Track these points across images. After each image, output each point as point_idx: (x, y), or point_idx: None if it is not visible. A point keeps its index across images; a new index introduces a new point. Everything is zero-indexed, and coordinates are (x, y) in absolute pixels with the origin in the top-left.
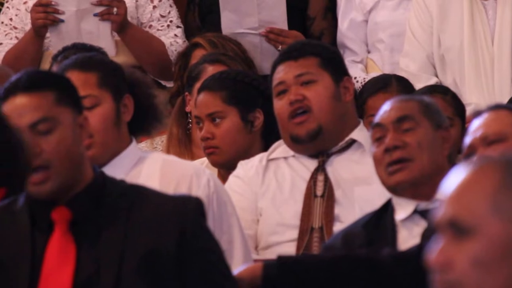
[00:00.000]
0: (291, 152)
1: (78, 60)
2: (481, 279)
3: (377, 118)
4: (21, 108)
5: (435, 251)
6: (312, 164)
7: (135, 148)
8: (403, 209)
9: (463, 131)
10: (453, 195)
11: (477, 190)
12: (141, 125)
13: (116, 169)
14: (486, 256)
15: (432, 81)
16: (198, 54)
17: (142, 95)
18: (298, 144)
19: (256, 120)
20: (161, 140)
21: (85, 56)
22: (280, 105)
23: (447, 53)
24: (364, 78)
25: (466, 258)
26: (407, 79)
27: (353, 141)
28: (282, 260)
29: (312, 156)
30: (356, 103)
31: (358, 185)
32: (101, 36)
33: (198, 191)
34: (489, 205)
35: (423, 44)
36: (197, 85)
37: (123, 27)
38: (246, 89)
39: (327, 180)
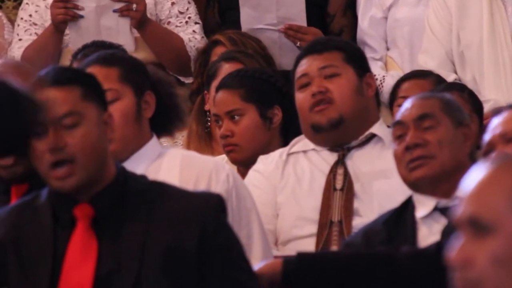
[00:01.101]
0: (311, 146)
1: (100, 56)
2: (501, 277)
3: (398, 116)
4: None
5: (455, 249)
6: (332, 157)
7: (155, 144)
8: (423, 206)
9: (481, 128)
10: (473, 193)
11: (497, 188)
12: (163, 124)
13: (136, 165)
14: (505, 254)
15: (451, 77)
16: (218, 52)
17: (165, 94)
18: (319, 133)
19: (275, 116)
20: (181, 135)
21: (107, 52)
22: (302, 97)
23: (466, 50)
24: (384, 76)
25: (485, 256)
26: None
27: (373, 136)
28: (302, 256)
29: (332, 149)
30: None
31: (377, 179)
32: (120, 32)
33: (217, 186)
34: (508, 203)
35: (442, 41)
36: (214, 83)
37: (142, 23)
38: (264, 86)
39: (346, 173)
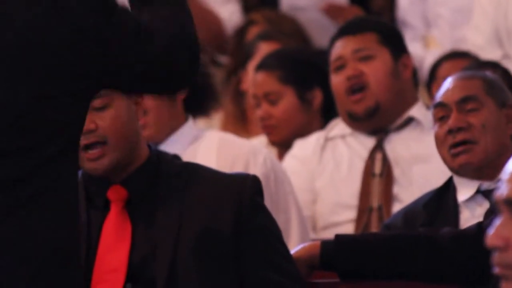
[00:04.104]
0: (349, 130)
1: None
2: None
3: (439, 97)
4: None
5: (492, 230)
6: (370, 142)
7: (191, 126)
8: (465, 189)
9: None
10: None
11: None
12: (198, 105)
13: (172, 147)
14: None
15: (498, 53)
16: (254, 31)
17: (199, 75)
18: (356, 121)
19: (314, 98)
20: (217, 119)
21: None
22: (337, 81)
23: None
24: (423, 57)
25: None
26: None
27: (411, 119)
28: (340, 238)
29: (370, 133)
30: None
31: (417, 163)
32: None
33: (255, 170)
34: None
35: (491, 17)
36: (251, 62)
37: None
38: (303, 67)
39: (385, 158)
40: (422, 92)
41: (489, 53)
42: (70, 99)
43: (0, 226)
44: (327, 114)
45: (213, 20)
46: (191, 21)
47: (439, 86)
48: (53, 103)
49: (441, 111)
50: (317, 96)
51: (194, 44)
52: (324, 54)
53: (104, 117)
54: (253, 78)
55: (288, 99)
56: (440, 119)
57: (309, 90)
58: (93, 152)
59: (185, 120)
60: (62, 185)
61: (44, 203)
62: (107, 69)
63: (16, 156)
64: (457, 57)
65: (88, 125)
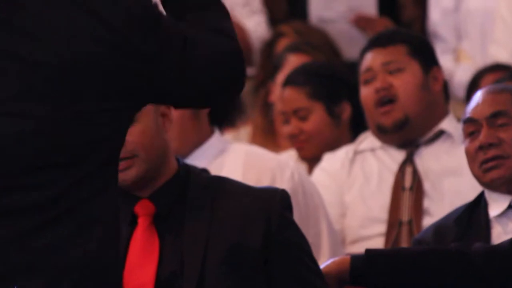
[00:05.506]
0: (378, 143)
1: None
2: None
3: (469, 112)
4: None
5: None
6: (400, 155)
7: (217, 139)
8: (497, 204)
9: None
10: None
11: None
12: (224, 116)
13: (198, 161)
14: None
15: None
16: (283, 43)
17: None
18: (384, 134)
19: (343, 112)
20: (245, 131)
21: None
22: (366, 93)
23: None
24: (452, 71)
25: None
26: None
27: (442, 132)
28: (370, 253)
29: (400, 146)
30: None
31: (448, 177)
32: None
33: (282, 185)
34: None
35: None
36: (279, 74)
37: None
38: (331, 83)
39: (415, 172)
40: (456, 106)
41: None
42: (112, 115)
43: (36, 240)
44: (355, 127)
45: (239, 32)
46: (235, 32)
47: None
48: (95, 119)
49: (471, 126)
50: (346, 110)
51: (240, 57)
52: (351, 66)
53: (133, 132)
54: (280, 94)
55: (318, 115)
56: (470, 134)
57: (337, 104)
58: (121, 163)
59: (211, 133)
60: (101, 199)
61: (81, 218)
62: (152, 85)
63: (54, 171)
64: (499, 70)
65: None
